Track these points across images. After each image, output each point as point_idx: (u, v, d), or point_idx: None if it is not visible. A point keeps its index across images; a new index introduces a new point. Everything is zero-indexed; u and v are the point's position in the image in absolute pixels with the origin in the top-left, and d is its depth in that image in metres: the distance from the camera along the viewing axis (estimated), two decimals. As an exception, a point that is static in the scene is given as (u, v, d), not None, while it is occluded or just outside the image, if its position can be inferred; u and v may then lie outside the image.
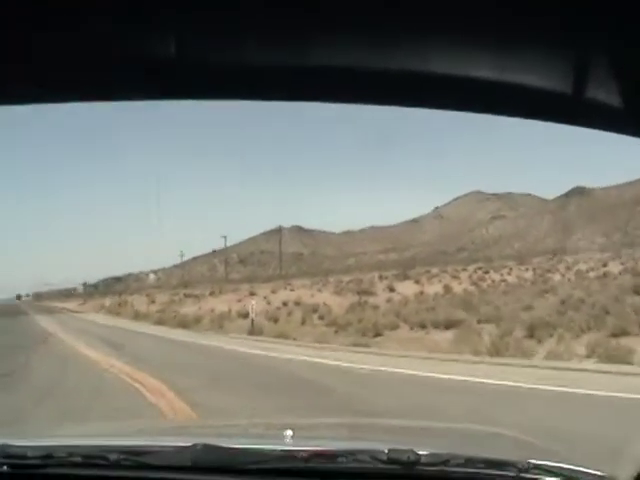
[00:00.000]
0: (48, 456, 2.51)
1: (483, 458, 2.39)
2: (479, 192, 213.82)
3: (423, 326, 29.60)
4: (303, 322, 37.48)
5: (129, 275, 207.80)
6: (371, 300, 48.03)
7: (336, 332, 30.65)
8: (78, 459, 2.52)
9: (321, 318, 38.38)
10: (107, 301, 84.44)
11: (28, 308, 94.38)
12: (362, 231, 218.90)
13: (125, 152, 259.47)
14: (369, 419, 7.62)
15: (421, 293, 50.42)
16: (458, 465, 2.32)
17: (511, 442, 3.40)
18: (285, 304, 51.79)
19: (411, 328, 30.02)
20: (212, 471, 2.41)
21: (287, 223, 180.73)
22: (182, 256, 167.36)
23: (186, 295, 77.31)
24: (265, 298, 57.85)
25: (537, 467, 2.28)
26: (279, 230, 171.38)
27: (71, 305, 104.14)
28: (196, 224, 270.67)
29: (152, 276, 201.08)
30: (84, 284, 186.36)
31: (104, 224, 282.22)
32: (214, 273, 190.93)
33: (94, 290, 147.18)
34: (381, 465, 2.32)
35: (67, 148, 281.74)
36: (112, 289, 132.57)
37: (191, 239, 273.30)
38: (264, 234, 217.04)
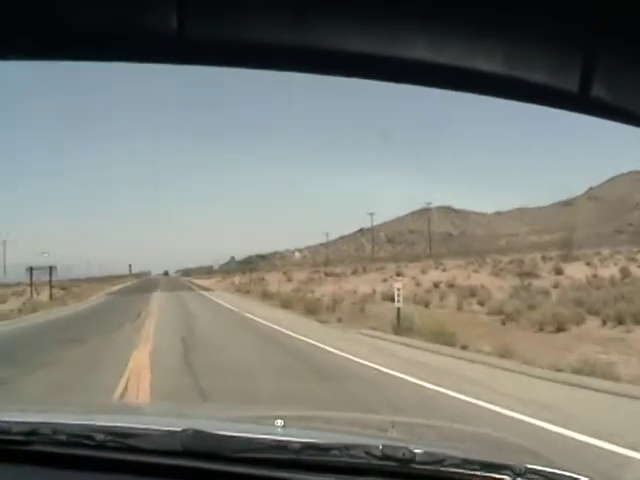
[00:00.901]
0: (32, 432, 2.45)
1: (479, 460, 2.30)
2: (638, 172, 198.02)
3: (619, 320, 22.64)
4: (459, 308, 31.27)
5: (274, 253, 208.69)
6: (535, 283, 41.60)
7: (503, 324, 24.14)
8: (63, 437, 2.44)
9: (480, 304, 31.94)
10: (237, 279, 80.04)
11: (163, 284, 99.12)
12: (510, 212, 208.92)
13: (270, 134, 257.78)
14: (364, 414, 6.92)
15: (594, 276, 42.77)
16: (453, 465, 2.25)
17: (507, 445, 3.40)
18: (436, 286, 45.75)
19: (603, 322, 23.03)
20: (201, 457, 2.32)
21: (436, 203, 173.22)
22: (327, 235, 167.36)
23: (326, 274, 71.85)
24: (414, 279, 51.67)
25: (533, 472, 2.24)
26: (427, 210, 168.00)
27: (207, 282, 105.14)
28: (344, 203, 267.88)
29: (297, 254, 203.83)
30: (229, 260, 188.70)
31: (255, 203, 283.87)
32: (361, 252, 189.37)
33: (236, 267, 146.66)
34: (375, 461, 2.26)
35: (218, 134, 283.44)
36: (255, 266, 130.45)
37: (338, 218, 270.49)
38: (412, 214, 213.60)
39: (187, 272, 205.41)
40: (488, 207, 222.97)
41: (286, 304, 38.18)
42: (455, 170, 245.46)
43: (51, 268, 64.00)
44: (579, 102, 1.39)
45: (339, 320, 27.40)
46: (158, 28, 1.33)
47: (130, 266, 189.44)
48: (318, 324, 26.46)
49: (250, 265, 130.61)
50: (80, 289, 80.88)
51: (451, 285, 45.38)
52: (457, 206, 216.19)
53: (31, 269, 63.30)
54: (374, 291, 41.17)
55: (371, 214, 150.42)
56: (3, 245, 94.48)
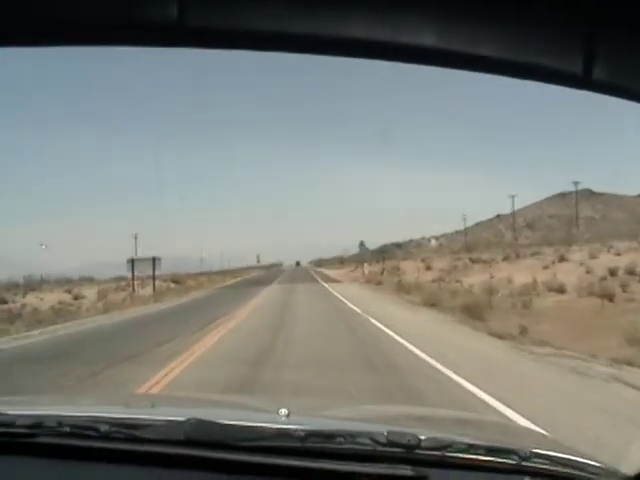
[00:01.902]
0: (36, 425, 2.47)
1: (485, 445, 2.34)
2: None
3: None
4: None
5: (410, 241, 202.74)
6: None
7: None
8: (67, 429, 2.45)
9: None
10: (367, 268, 69.07)
11: (287, 275, 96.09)
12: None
13: (400, 121, 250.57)
14: (369, 405, 6.31)
15: None
16: (459, 451, 2.27)
17: (513, 430, 3.54)
18: (613, 273, 36.60)
19: None
20: (205, 446, 2.33)
21: (574, 187, 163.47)
22: (465, 219, 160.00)
23: (472, 260, 61.94)
24: (582, 265, 42.62)
25: (538, 456, 2.24)
26: (565, 194, 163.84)
27: (337, 272, 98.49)
28: (480, 189, 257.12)
29: (433, 242, 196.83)
30: (362, 249, 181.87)
31: (389, 190, 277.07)
32: (500, 239, 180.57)
33: (370, 256, 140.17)
34: (380, 448, 2.26)
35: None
36: (390, 255, 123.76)
37: (474, 205, 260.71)
38: (549, 199, 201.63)
39: (319, 262, 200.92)
40: (630, 189, 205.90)
41: (430, 300, 27.88)
42: (593, 152, 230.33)
43: (154, 260, 57.53)
44: (583, 82, 1.43)
45: (522, 332, 15.82)
46: (158, 15, 1.38)
47: (258, 257, 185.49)
48: (500, 346, 14.72)
49: (384, 254, 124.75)
50: (197, 282, 76.47)
51: (630, 272, 36.16)
52: (596, 189, 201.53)
53: (132, 261, 57.47)
54: (534, 280, 32.58)
55: (512, 197, 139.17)
56: (135, 239, 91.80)
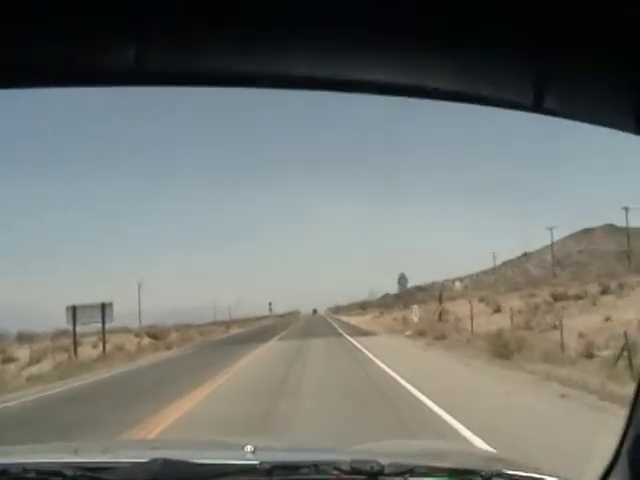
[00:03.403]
0: (2, 473, 2.45)
1: (446, 467, 2.39)
2: None
3: None
4: None
5: (432, 284, 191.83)
6: None
7: None
8: (33, 475, 2.42)
9: None
10: (413, 314, 47.70)
11: (300, 325, 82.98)
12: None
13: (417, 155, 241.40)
14: (335, 437, 6.69)
15: None
16: (421, 474, 2.32)
17: (476, 454, 3.79)
18: None
19: None
20: None
21: (597, 222, 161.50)
22: (494, 258, 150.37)
23: (555, 297, 47.08)
24: None
25: (500, 475, 2.29)
26: (589, 230, 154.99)
27: (361, 319, 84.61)
28: (505, 228, 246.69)
29: (458, 284, 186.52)
30: (384, 294, 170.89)
31: (406, 233, 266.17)
32: (528, 277, 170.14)
33: (393, 300, 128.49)
34: (344, 476, 2.31)
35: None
36: (415, 298, 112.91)
37: (499, 244, 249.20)
38: (572, 236, 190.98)
39: (337, 309, 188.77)
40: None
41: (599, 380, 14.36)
42: (610, 187, 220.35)
43: (104, 307, 40.23)
44: (534, 111, 1.51)
45: None
46: (118, 57, 1.42)
47: (270, 305, 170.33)
48: None
49: (413, 297, 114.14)
50: (183, 335, 60.76)
51: None
52: (619, 224, 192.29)
53: (74, 309, 38.72)
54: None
55: (551, 229, 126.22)
56: (138, 287, 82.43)
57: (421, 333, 38.35)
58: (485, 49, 1.36)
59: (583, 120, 1.53)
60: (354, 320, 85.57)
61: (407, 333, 41.22)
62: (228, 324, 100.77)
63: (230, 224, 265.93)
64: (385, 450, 3.33)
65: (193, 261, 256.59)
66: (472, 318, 33.31)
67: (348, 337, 43.59)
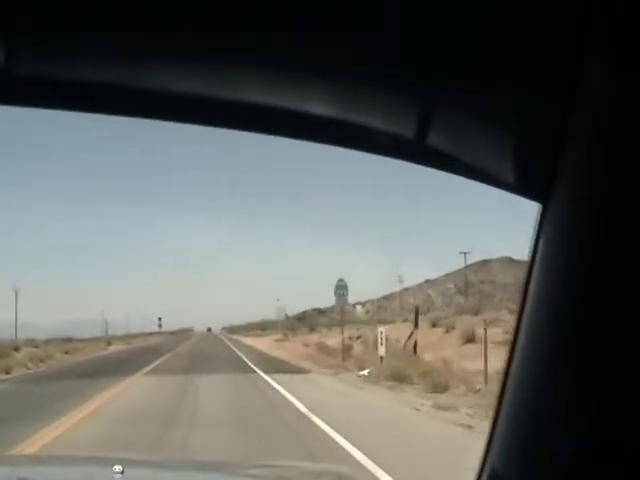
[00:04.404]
0: None
1: None
2: None
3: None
4: None
5: (332, 307, 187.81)
6: None
7: None
8: None
9: None
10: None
11: (189, 344, 72.70)
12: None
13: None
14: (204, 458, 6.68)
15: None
16: None
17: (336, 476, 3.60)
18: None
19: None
20: None
21: (496, 254, 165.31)
22: (401, 281, 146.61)
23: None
24: None
25: None
26: (488, 261, 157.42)
27: (266, 342, 68.11)
28: (407, 254, 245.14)
29: (359, 308, 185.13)
30: (285, 316, 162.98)
31: (307, 254, 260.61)
32: (429, 305, 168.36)
33: (295, 323, 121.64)
34: None
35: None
36: (316, 322, 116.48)
37: (401, 270, 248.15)
38: (470, 266, 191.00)
39: (233, 329, 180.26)
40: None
41: None
42: (513, 218, 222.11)
43: None
44: (416, 151, 1.42)
45: None
46: None
47: (160, 320, 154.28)
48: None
49: (315, 320, 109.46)
50: (38, 353, 47.46)
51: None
52: (516, 257, 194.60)
53: None
54: None
55: (464, 253, 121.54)
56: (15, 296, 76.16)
57: (395, 376, 23.74)
58: (369, 78, 1.27)
59: (464, 168, 1.40)
60: (258, 343, 69.96)
61: (362, 374, 27.17)
62: (109, 340, 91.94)
63: (124, 239, 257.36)
64: (264, 468, 3.61)
65: (81, 273, 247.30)
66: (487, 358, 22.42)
67: (263, 375, 28.21)
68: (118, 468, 2.50)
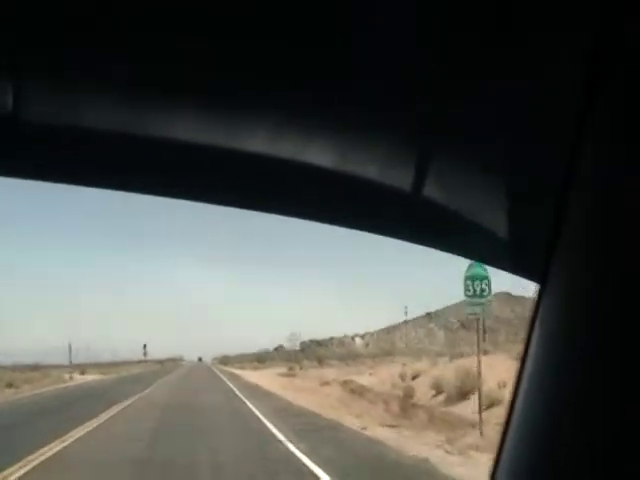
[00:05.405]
0: None
1: None
2: None
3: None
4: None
5: (331, 339, 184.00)
6: None
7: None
8: None
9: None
10: (333, 387, 30.07)
11: (171, 378, 59.06)
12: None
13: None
14: None
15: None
16: None
17: None
18: None
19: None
20: None
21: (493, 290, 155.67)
22: (406, 312, 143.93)
23: None
24: None
25: None
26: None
27: (268, 378, 50.50)
28: (409, 288, 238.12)
29: (358, 340, 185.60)
30: (277, 347, 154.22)
31: (307, 287, 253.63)
32: (432, 338, 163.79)
33: (298, 355, 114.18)
34: None
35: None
36: (315, 353, 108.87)
37: (402, 303, 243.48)
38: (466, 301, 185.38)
39: (226, 359, 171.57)
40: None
41: None
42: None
43: None
44: (411, 201, 1.43)
45: None
46: None
47: (145, 348, 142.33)
48: None
49: (313, 352, 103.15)
50: None
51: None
52: (515, 292, 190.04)
53: None
54: None
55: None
56: None
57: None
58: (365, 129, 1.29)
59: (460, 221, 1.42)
60: (262, 380, 47.17)
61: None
62: (82, 369, 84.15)
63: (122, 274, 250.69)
64: None
65: (68, 301, 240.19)
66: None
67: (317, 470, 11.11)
68: None
